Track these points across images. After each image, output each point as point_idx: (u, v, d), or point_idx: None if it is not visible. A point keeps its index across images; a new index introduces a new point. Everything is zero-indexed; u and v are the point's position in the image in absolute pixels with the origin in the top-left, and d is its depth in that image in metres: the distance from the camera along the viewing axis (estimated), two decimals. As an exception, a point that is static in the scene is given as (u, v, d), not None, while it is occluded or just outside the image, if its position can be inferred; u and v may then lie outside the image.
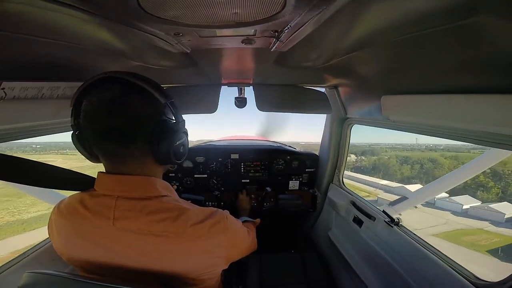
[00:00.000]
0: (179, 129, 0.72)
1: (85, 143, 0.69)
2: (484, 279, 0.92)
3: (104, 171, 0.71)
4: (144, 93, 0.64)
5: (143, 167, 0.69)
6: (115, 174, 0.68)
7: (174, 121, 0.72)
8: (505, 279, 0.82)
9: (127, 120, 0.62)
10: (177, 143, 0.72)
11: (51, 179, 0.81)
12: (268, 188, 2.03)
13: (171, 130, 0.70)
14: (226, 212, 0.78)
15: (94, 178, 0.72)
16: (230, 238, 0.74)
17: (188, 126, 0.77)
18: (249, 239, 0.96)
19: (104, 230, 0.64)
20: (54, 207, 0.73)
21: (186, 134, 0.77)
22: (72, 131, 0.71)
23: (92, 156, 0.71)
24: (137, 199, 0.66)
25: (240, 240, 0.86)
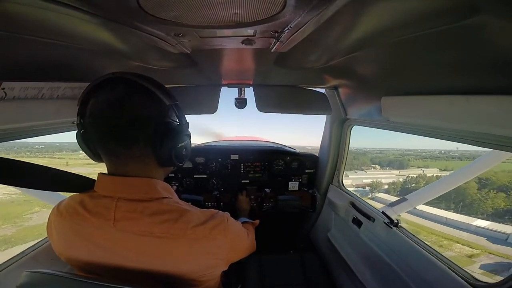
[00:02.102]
0: (182, 131, 0.72)
1: (89, 142, 0.69)
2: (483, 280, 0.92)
3: (104, 172, 0.71)
4: (149, 94, 0.65)
5: (144, 169, 0.69)
6: (116, 176, 0.68)
7: (178, 123, 0.72)
8: (503, 280, 0.82)
9: (131, 120, 0.63)
10: (179, 145, 0.72)
11: (50, 181, 0.81)
12: (267, 189, 2.03)
13: (174, 131, 0.70)
14: (227, 214, 0.78)
15: (93, 180, 0.72)
16: (231, 240, 0.74)
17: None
18: (248, 240, 0.96)
19: (105, 231, 0.64)
20: (54, 208, 0.73)
21: (189, 136, 0.77)
22: (76, 130, 0.71)
23: (95, 155, 0.71)
24: (138, 201, 0.66)
25: (240, 241, 0.86)
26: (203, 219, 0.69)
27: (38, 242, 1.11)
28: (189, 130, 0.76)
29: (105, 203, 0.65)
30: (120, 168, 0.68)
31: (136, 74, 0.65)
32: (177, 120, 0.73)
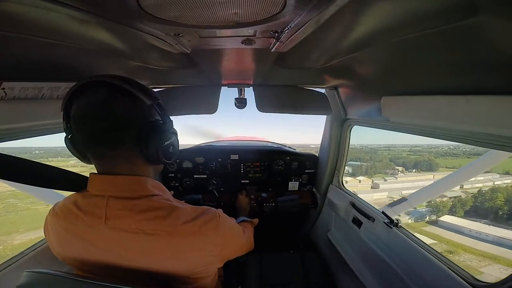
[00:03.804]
0: (167, 130, 0.73)
1: (77, 146, 0.70)
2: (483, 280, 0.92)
3: (95, 172, 0.71)
4: (129, 95, 0.65)
5: (133, 168, 0.70)
6: (106, 175, 0.68)
7: (162, 122, 0.73)
8: (503, 280, 0.82)
9: (113, 122, 0.63)
10: (166, 143, 0.73)
11: (48, 178, 0.82)
12: (264, 194, 2.04)
13: (158, 130, 0.70)
14: (219, 210, 0.79)
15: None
16: (223, 236, 0.74)
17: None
18: (244, 238, 0.96)
19: (97, 229, 0.65)
20: (50, 209, 0.74)
21: (175, 134, 0.78)
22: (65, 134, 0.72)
23: (84, 158, 0.72)
24: (128, 199, 0.66)
25: (234, 238, 0.86)
26: (194, 215, 0.69)
27: (37, 242, 1.11)
28: (174, 127, 0.77)
29: (96, 201, 0.66)
30: (109, 168, 0.69)
31: (115, 77, 0.66)
32: (161, 119, 0.73)
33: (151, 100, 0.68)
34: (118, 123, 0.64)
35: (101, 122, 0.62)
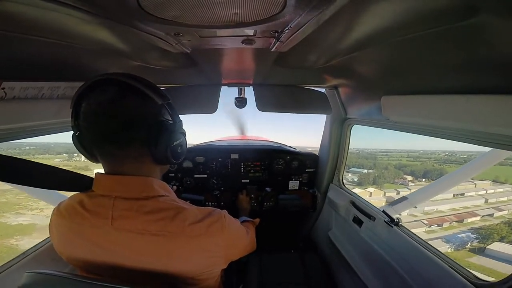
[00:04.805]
0: (176, 130, 0.73)
1: (85, 144, 0.70)
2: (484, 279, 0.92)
3: (102, 172, 0.71)
4: (141, 94, 0.64)
5: (141, 168, 0.70)
6: (113, 175, 0.68)
7: (171, 122, 0.73)
8: (505, 279, 0.82)
9: (123, 122, 0.63)
10: (175, 143, 0.72)
11: (51, 180, 0.81)
12: (267, 189, 2.04)
13: (168, 130, 0.70)
14: (225, 211, 0.79)
15: (93, 179, 0.72)
16: (229, 237, 0.74)
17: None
18: (247, 238, 0.96)
19: (103, 230, 0.65)
20: (54, 208, 0.73)
21: (184, 134, 0.78)
22: (72, 132, 0.71)
23: (92, 156, 0.71)
24: (135, 199, 0.66)
25: (239, 239, 0.86)
26: (200, 216, 0.69)
27: (39, 242, 1.11)
28: (183, 128, 0.77)
29: (102, 202, 0.66)
30: (116, 168, 0.68)
31: (127, 75, 0.65)
32: (171, 119, 0.73)
33: (162, 100, 0.68)
34: (128, 122, 0.63)
35: (112, 121, 0.62)
